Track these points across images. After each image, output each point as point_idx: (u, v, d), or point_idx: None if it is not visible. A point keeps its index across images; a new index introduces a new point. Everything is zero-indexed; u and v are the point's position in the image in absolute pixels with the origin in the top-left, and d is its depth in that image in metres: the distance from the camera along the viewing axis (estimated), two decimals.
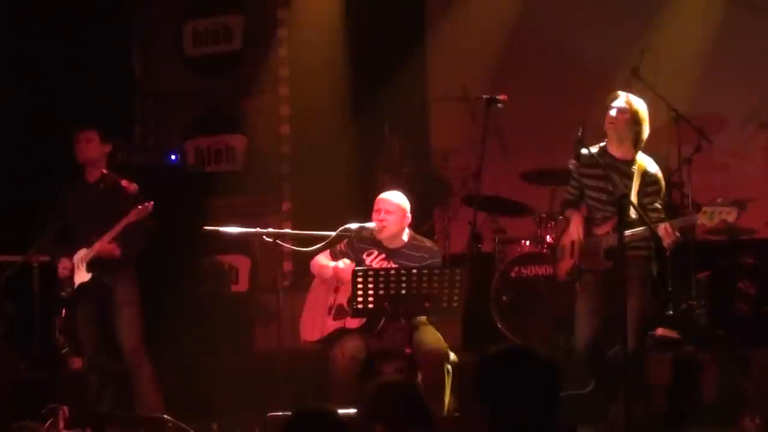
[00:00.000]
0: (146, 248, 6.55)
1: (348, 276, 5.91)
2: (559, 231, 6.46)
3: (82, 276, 6.44)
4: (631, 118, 5.75)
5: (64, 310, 6.55)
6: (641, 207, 5.57)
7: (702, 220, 5.51)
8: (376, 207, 6.16)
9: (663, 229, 5.52)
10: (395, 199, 6.18)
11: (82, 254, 6.45)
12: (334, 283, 6.19)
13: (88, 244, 6.43)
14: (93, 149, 6.58)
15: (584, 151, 5.68)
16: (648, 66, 7.38)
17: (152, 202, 6.27)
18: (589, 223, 5.90)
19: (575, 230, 5.92)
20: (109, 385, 6.56)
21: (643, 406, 5.77)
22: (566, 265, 5.95)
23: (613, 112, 5.75)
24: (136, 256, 6.55)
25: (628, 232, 5.38)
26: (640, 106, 5.79)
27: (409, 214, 6.19)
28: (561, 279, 6.06)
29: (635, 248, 5.63)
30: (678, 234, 5.59)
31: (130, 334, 6.47)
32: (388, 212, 6.11)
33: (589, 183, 5.88)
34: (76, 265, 6.46)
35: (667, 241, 5.56)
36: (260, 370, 7.44)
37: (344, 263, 6.12)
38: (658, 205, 5.78)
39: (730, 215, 5.45)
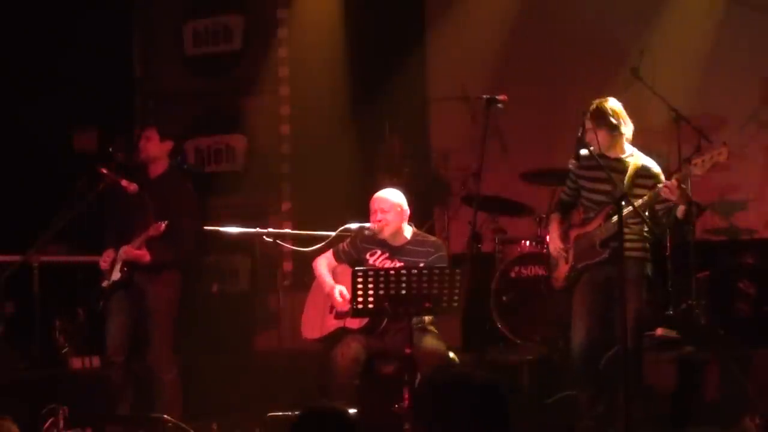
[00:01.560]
0: (192, 252, 6.56)
1: (340, 307, 6.02)
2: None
3: (116, 273, 6.42)
4: (605, 125, 5.73)
5: (101, 303, 6.51)
6: (634, 198, 5.61)
7: (695, 171, 5.50)
8: (372, 208, 6.17)
9: (666, 188, 5.50)
10: (389, 196, 6.18)
11: (122, 252, 6.41)
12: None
13: (129, 243, 6.42)
14: (153, 147, 6.57)
15: (584, 152, 5.69)
16: (648, 66, 7.38)
17: (165, 223, 6.21)
18: (581, 223, 5.93)
19: (553, 241, 5.96)
20: (129, 386, 6.56)
21: (643, 407, 5.77)
22: (562, 271, 5.94)
23: (592, 132, 5.73)
24: (181, 261, 6.50)
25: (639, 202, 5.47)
26: (609, 106, 5.75)
27: (406, 209, 6.18)
28: (559, 286, 6.01)
29: (630, 249, 5.62)
30: (684, 186, 5.54)
31: (157, 340, 6.41)
32: (384, 211, 6.12)
33: (586, 185, 5.88)
34: (117, 261, 6.43)
35: (674, 198, 5.51)
36: (260, 370, 7.45)
37: (341, 295, 6.10)
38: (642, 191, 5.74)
39: (722, 155, 5.44)
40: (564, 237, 5.95)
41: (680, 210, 5.60)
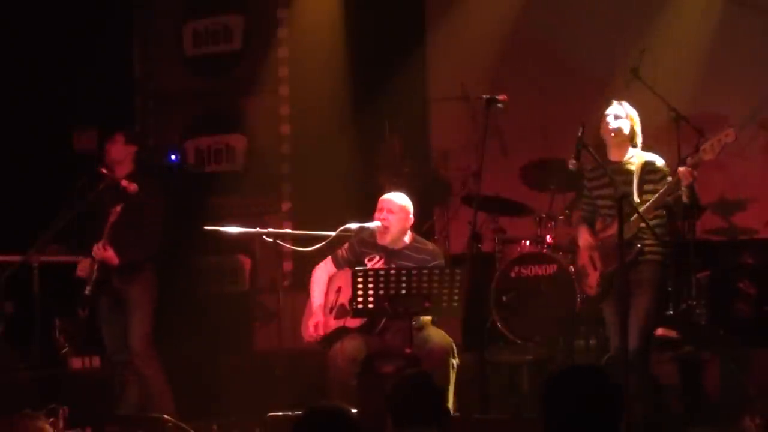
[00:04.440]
0: (160, 249, 6.64)
1: (309, 334, 6.09)
2: (562, 234, 6.46)
3: (94, 273, 6.53)
4: (628, 124, 5.84)
5: (86, 309, 6.60)
6: (646, 194, 5.65)
7: (705, 156, 5.54)
8: (378, 206, 6.18)
9: (683, 173, 5.56)
10: (398, 199, 6.19)
11: (93, 252, 6.52)
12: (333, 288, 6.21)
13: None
14: (117, 151, 6.67)
15: (578, 159, 5.70)
16: (648, 66, 7.38)
17: (135, 185, 6.39)
18: (602, 228, 5.93)
19: (585, 241, 5.95)
20: (132, 386, 6.61)
21: (645, 407, 5.76)
22: (593, 278, 5.93)
23: (611, 122, 5.80)
24: (152, 259, 6.63)
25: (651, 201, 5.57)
26: (634, 113, 5.90)
27: (411, 216, 6.19)
28: (593, 294, 5.96)
29: (648, 252, 5.64)
30: (695, 173, 5.60)
31: (137, 336, 6.55)
32: (390, 212, 6.12)
33: (597, 193, 5.94)
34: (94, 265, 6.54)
35: (686, 183, 5.58)
36: (260, 370, 7.45)
37: (315, 326, 6.13)
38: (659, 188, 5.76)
39: (729, 136, 5.47)
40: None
41: (684, 194, 5.64)
